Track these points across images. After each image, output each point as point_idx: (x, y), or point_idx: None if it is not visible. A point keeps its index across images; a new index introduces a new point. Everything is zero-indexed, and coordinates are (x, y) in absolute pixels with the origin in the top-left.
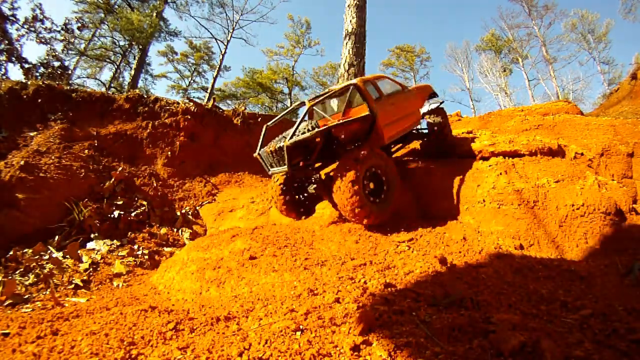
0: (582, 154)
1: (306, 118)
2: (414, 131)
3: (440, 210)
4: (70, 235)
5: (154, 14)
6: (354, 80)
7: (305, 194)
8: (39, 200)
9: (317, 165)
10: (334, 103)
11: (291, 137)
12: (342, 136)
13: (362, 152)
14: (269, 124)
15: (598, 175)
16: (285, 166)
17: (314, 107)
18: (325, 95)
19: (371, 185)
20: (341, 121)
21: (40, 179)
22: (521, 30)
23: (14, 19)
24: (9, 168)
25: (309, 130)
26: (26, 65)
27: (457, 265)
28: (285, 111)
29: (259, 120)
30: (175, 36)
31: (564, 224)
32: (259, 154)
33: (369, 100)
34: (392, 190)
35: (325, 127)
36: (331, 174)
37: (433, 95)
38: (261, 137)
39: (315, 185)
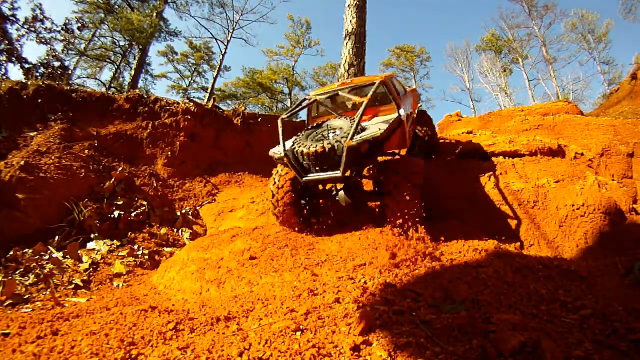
0: (582, 154)
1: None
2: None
3: (441, 210)
4: (70, 235)
5: (154, 14)
6: (378, 77)
7: (310, 202)
8: (39, 200)
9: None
10: (344, 99)
11: (352, 136)
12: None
13: (417, 177)
14: (283, 116)
15: (598, 175)
16: (339, 172)
17: (321, 103)
18: (348, 89)
19: None
20: (387, 125)
21: (40, 179)
22: (521, 30)
23: (14, 19)
24: (9, 168)
25: (362, 130)
26: (26, 65)
27: (457, 265)
28: (299, 105)
29: (259, 120)
30: (175, 36)
31: (564, 224)
32: (285, 154)
33: (397, 100)
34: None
35: (385, 129)
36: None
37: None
38: (280, 132)
39: (342, 194)
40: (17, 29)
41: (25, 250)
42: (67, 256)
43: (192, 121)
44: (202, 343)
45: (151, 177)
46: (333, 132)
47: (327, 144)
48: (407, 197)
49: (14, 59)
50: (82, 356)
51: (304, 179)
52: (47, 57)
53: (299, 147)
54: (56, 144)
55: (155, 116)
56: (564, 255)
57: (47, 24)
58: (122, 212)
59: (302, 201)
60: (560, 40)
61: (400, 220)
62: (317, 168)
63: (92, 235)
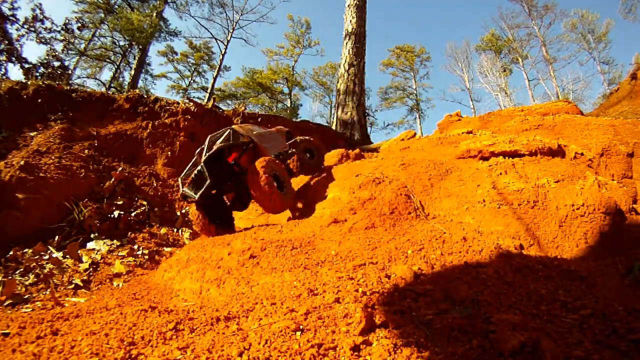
0: (582, 154)
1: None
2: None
3: (440, 210)
4: (70, 235)
5: (154, 14)
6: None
7: (219, 209)
8: (39, 200)
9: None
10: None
11: (206, 156)
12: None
13: (263, 169)
14: (182, 176)
15: (598, 175)
16: (208, 180)
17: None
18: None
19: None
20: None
21: (40, 179)
22: (521, 30)
23: (14, 19)
24: (9, 168)
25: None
26: (26, 65)
27: (457, 265)
28: (187, 167)
29: (259, 120)
30: (175, 36)
31: (564, 224)
32: (182, 193)
33: (243, 132)
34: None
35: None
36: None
37: (289, 134)
38: (180, 184)
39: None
40: (17, 29)
41: (25, 250)
42: (67, 256)
43: (192, 121)
44: (202, 343)
45: (151, 177)
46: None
47: (196, 171)
48: (259, 180)
49: (14, 59)
50: (82, 356)
51: (197, 195)
52: (47, 57)
53: (184, 185)
54: (56, 144)
55: (155, 116)
56: (564, 255)
57: (47, 24)
58: (122, 212)
59: (217, 220)
60: (560, 40)
61: (260, 193)
62: (200, 188)
63: (92, 235)
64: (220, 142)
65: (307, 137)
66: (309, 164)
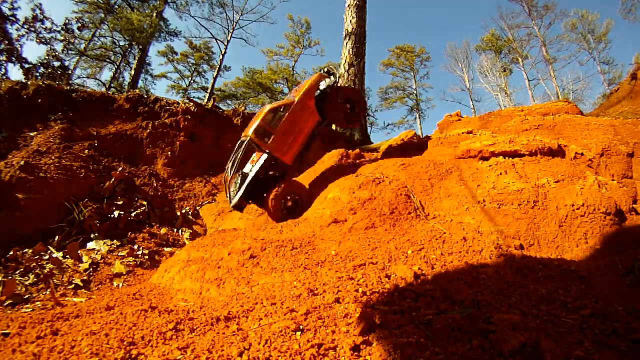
0: (582, 154)
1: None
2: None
3: (440, 210)
4: (70, 235)
5: (154, 14)
6: (248, 135)
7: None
8: (39, 200)
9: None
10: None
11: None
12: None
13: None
14: (228, 172)
15: (598, 175)
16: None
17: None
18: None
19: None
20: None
21: (40, 179)
22: (521, 30)
23: (14, 19)
24: (9, 168)
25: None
26: (26, 65)
27: (458, 265)
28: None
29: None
30: (175, 36)
31: (564, 224)
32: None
33: (261, 146)
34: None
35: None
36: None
37: (326, 79)
38: (225, 186)
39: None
40: (17, 29)
41: (25, 250)
42: (67, 256)
43: (192, 121)
44: (202, 343)
45: (151, 177)
46: (236, 183)
47: (234, 189)
48: (272, 198)
49: (14, 59)
50: (82, 356)
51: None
52: (47, 57)
53: (233, 191)
54: (56, 144)
55: (155, 116)
56: (564, 255)
57: (47, 24)
58: (122, 212)
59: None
60: (560, 40)
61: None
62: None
63: (92, 235)
64: (234, 158)
65: (348, 86)
66: (348, 118)
